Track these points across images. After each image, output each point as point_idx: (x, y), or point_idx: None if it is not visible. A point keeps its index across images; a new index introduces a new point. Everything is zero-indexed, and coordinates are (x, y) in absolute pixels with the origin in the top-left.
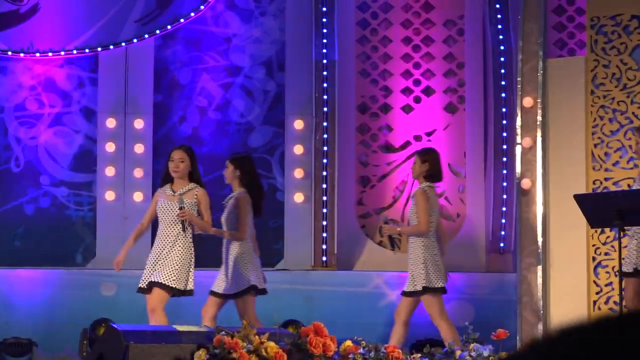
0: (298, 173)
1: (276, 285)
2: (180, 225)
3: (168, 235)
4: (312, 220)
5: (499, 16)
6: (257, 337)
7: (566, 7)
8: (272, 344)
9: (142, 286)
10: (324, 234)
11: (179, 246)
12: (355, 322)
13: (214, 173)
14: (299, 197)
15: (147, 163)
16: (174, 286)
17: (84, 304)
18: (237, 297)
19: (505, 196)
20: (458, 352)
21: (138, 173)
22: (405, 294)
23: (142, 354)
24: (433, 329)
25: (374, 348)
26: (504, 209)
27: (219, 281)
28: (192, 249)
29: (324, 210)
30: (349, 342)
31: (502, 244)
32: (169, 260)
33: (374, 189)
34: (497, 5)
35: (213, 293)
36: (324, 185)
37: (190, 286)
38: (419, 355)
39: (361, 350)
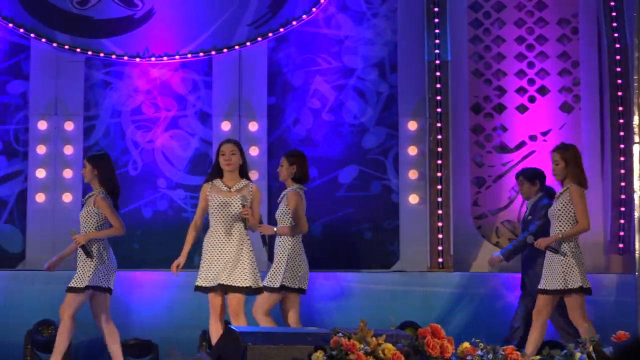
0: (412, 174)
1: (392, 287)
2: (243, 223)
3: (229, 234)
4: (427, 222)
5: (613, 13)
6: (374, 338)
7: None
8: (389, 345)
9: (209, 285)
10: (440, 235)
11: (247, 245)
12: (472, 323)
13: (328, 175)
14: (413, 199)
15: (261, 165)
16: (251, 285)
17: (202, 306)
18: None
19: (623, 196)
20: (578, 355)
21: (253, 175)
22: (265, 288)
23: (260, 355)
24: (553, 330)
25: (492, 350)
26: (622, 209)
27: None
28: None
29: (440, 212)
30: (466, 344)
31: (621, 245)
32: (242, 261)
33: (489, 189)
34: (612, 3)
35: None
36: (439, 187)
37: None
38: (538, 357)
39: (479, 352)
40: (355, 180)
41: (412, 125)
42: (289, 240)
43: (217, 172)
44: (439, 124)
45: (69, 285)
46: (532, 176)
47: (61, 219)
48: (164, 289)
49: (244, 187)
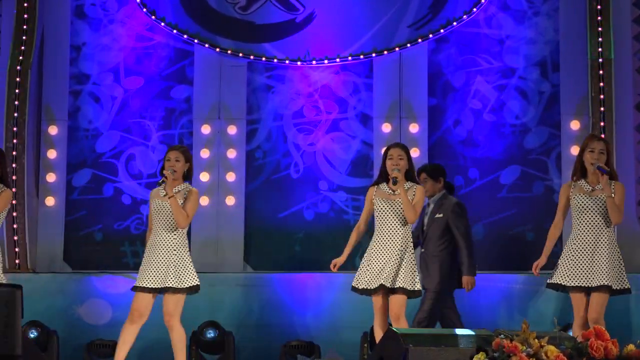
0: None
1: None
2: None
3: (393, 236)
4: None
5: None
6: (536, 340)
7: None
8: (552, 347)
9: (371, 287)
10: None
11: (410, 247)
12: (636, 324)
13: (490, 176)
14: None
15: None
16: (416, 289)
17: (364, 307)
18: None
19: None
20: None
21: None
22: (176, 290)
23: (422, 356)
24: None
25: None
26: None
27: None
28: None
29: None
30: (631, 346)
31: None
32: (405, 263)
33: None
34: None
35: None
36: None
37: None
38: None
39: None
40: (517, 181)
41: (575, 125)
42: (184, 240)
43: (383, 176)
44: (602, 123)
45: None
46: (436, 173)
47: (224, 222)
48: (325, 291)
49: (409, 189)
